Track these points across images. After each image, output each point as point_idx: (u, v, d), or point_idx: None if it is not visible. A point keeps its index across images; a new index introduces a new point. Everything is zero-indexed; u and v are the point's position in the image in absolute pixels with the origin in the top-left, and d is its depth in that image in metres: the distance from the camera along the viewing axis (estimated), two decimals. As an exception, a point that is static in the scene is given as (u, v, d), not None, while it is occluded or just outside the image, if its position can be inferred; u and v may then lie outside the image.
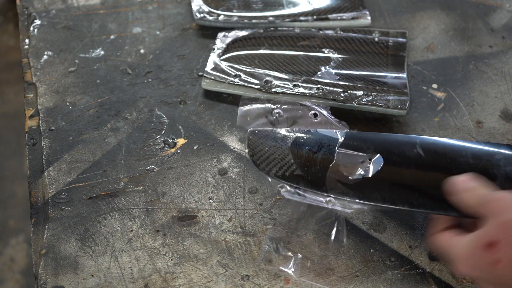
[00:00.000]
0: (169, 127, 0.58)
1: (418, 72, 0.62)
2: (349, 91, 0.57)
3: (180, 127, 0.58)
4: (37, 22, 0.67)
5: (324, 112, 0.55)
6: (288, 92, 0.58)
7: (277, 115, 0.55)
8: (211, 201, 0.52)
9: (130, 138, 0.57)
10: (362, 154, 0.49)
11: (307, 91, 0.58)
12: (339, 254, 0.48)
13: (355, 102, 0.57)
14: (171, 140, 0.57)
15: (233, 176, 0.54)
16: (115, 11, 0.68)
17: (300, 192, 0.50)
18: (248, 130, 0.54)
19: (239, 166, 0.54)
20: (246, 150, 0.52)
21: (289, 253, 0.48)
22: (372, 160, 0.48)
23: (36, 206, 0.51)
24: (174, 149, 0.56)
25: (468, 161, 0.46)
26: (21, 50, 0.64)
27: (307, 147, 0.51)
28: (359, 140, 0.51)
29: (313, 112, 0.55)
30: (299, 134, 0.52)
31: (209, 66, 0.61)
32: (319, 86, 0.58)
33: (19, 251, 1.16)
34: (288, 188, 0.50)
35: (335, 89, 0.58)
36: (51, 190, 0.53)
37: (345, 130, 0.53)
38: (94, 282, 0.47)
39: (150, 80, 0.62)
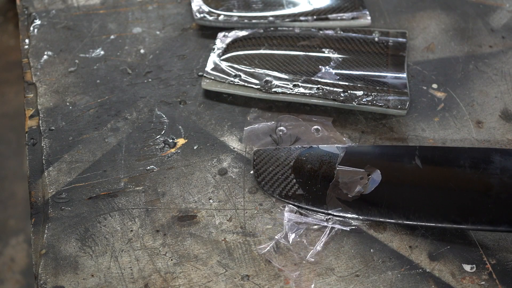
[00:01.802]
0: (169, 127, 0.58)
1: (418, 72, 0.62)
2: (349, 91, 0.57)
3: (180, 127, 0.58)
4: (37, 22, 0.67)
5: (329, 124, 0.56)
6: (288, 92, 0.58)
7: (280, 133, 0.55)
8: (211, 201, 0.52)
9: (130, 138, 0.57)
10: (360, 170, 0.50)
11: (307, 91, 0.58)
12: (339, 254, 0.48)
13: (355, 102, 0.57)
14: (171, 140, 0.57)
15: (233, 176, 0.54)
16: (115, 11, 0.68)
17: (302, 211, 0.50)
18: (253, 150, 0.54)
19: (239, 166, 0.54)
20: (251, 172, 0.53)
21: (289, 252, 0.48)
22: (371, 176, 0.49)
23: (36, 206, 0.51)
24: (174, 149, 0.56)
25: (466, 171, 0.46)
26: (21, 50, 0.64)
27: (308, 165, 0.52)
28: (358, 154, 0.51)
29: (315, 127, 0.55)
30: (301, 152, 0.53)
31: (209, 66, 0.61)
32: (319, 86, 0.58)
33: (19, 251, 1.16)
34: (290, 208, 0.51)
35: (335, 89, 0.58)
36: (51, 190, 0.53)
37: (347, 145, 0.53)
38: (94, 282, 0.47)
39: (150, 80, 0.62)
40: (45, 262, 0.48)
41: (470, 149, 0.51)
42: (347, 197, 0.50)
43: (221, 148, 0.56)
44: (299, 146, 0.54)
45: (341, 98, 0.57)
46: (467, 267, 0.47)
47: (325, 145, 0.54)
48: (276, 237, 0.49)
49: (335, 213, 0.50)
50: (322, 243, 0.48)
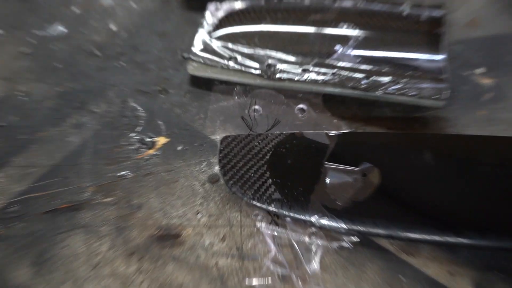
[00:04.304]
0: (146, 123, 0.58)
1: (458, 53, 0.62)
2: (372, 78, 0.57)
3: (160, 122, 0.58)
4: (-18, -9, 0.67)
5: (318, 103, 0.55)
6: (296, 79, 0.57)
7: (255, 113, 0.55)
8: (199, 215, 0.52)
9: (98, 137, 0.57)
10: (354, 169, 0.49)
11: (319, 77, 0.57)
12: (360, 282, 0.48)
13: (380, 91, 0.56)
14: (149, 139, 0.57)
15: (227, 184, 0.53)
16: (80, -22, 0.69)
17: (278, 222, 0.50)
18: (222, 137, 0.54)
19: (234, 172, 0.54)
20: (217, 168, 0.52)
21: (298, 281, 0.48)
22: (367, 176, 0.49)
23: (-21, 222, 0.51)
24: (153, 150, 0.56)
25: (494, 170, 0.46)
26: (-39, 26, 0.65)
27: (289, 160, 0.51)
28: (354, 145, 0.51)
29: (299, 106, 0.55)
30: (280, 141, 0.52)
31: (197, 46, 0.61)
32: (335, 71, 0.58)
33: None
34: (265, 216, 0.51)
35: (355, 74, 0.57)
36: (-2, 202, 0.52)
37: (340, 132, 0.52)
38: (52, 318, 0.47)
39: (123, 64, 0.62)
40: (-10, 293, 0.48)
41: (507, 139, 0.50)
42: (335, 205, 0.49)
43: (212, 149, 0.56)
44: (278, 133, 0.53)
45: (362, 86, 0.56)
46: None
47: (312, 132, 0.53)
48: (266, 262, 0.49)
49: (319, 223, 0.49)
50: (315, 263, 0.48)
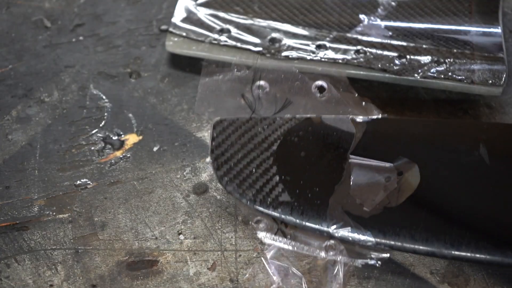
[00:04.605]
0: (112, 116, 0.58)
1: None
2: (408, 56, 0.57)
3: (130, 115, 0.58)
4: None
5: (343, 80, 0.55)
6: (309, 58, 0.57)
7: (259, 91, 0.55)
8: (181, 237, 0.52)
9: (48, 134, 0.57)
10: (386, 165, 0.49)
11: (339, 55, 0.57)
12: None
13: (418, 74, 0.56)
14: (116, 137, 0.57)
15: (218, 196, 0.53)
16: None
17: (286, 230, 0.50)
18: (216, 120, 0.53)
19: (227, 180, 0.54)
20: (207, 159, 0.52)
21: None
22: (403, 175, 0.49)
23: None
24: (120, 151, 0.56)
25: None
26: None
27: (302, 152, 0.51)
28: (388, 135, 0.51)
29: (318, 83, 0.54)
30: (291, 127, 0.52)
31: (178, 15, 0.61)
32: (359, 47, 0.58)
33: None
34: (269, 224, 0.51)
35: (386, 52, 0.58)
36: None
37: (370, 117, 0.53)
38: None
39: (81, 38, 0.62)
40: None
41: None
42: (361, 211, 0.49)
43: (198, 150, 0.56)
44: (289, 117, 0.53)
45: (395, 68, 0.57)
46: None
47: (333, 116, 0.53)
48: None
49: (339, 234, 0.49)
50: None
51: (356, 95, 0.55)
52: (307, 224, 0.50)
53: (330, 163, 0.51)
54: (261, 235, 0.50)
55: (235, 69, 0.56)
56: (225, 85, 0.55)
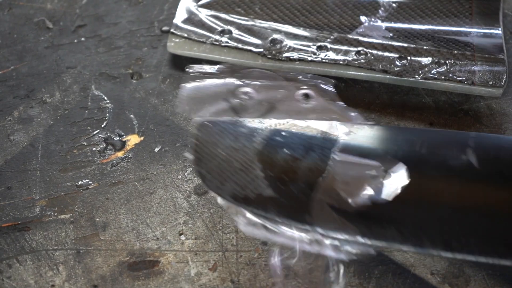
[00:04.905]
0: (114, 117, 0.58)
1: None
2: (409, 58, 0.57)
3: (131, 116, 0.58)
4: None
5: (327, 89, 0.55)
6: (310, 59, 0.58)
7: (244, 96, 0.54)
8: (182, 237, 0.52)
9: (50, 135, 0.57)
10: (373, 162, 0.49)
11: (340, 56, 0.58)
12: None
13: (419, 75, 0.57)
14: (118, 138, 0.57)
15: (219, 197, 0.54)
16: None
17: (268, 224, 0.50)
18: (198, 122, 0.53)
19: (228, 181, 0.54)
20: (190, 156, 0.52)
21: None
22: (390, 171, 0.48)
23: None
24: (122, 152, 0.56)
25: None
26: None
27: (286, 151, 0.51)
28: (372, 139, 0.50)
29: (303, 91, 0.54)
30: (276, 130, 0.52)
31: (179, 16, 0.61)
32: (360, 49, 0.58)
33: None
34: (249, 217, 0.50)
35: (387, 54, 0.58)
36: None
37: (354, 125, 0.52)
38: None
39: (83, 39, 0.62)
40: None
41: None
42: (347, 206, 0.48)
43: None
44: (275, 120, 0.53)
45: (396, 69, 0.57)
46: None
47: (318, 122, 0.52)
48: None
49: (323, 232, 0.48)
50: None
51: (341, 104, 0.55)
52: (291, 220, 0.50)
53: (315, 161, 0.50)
54: (242, 227, 0.50)
55: (221, 75, 0.56)
56: (209, 90, 0.55)
